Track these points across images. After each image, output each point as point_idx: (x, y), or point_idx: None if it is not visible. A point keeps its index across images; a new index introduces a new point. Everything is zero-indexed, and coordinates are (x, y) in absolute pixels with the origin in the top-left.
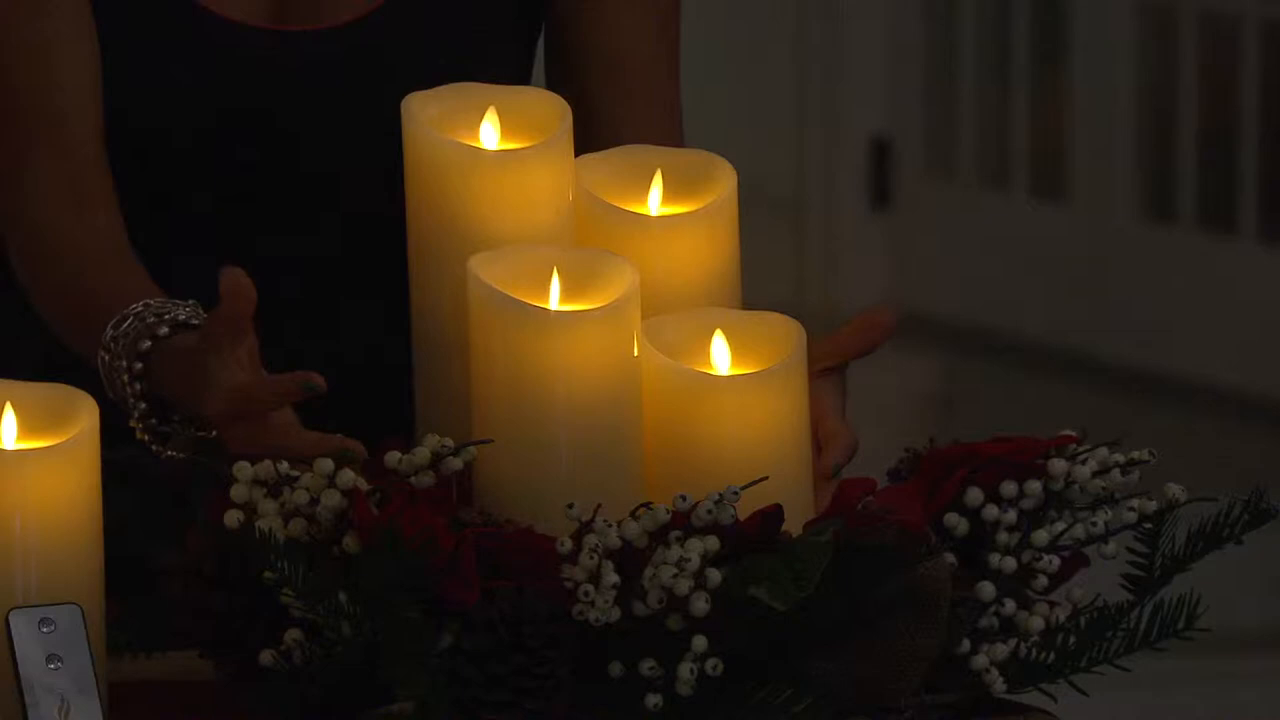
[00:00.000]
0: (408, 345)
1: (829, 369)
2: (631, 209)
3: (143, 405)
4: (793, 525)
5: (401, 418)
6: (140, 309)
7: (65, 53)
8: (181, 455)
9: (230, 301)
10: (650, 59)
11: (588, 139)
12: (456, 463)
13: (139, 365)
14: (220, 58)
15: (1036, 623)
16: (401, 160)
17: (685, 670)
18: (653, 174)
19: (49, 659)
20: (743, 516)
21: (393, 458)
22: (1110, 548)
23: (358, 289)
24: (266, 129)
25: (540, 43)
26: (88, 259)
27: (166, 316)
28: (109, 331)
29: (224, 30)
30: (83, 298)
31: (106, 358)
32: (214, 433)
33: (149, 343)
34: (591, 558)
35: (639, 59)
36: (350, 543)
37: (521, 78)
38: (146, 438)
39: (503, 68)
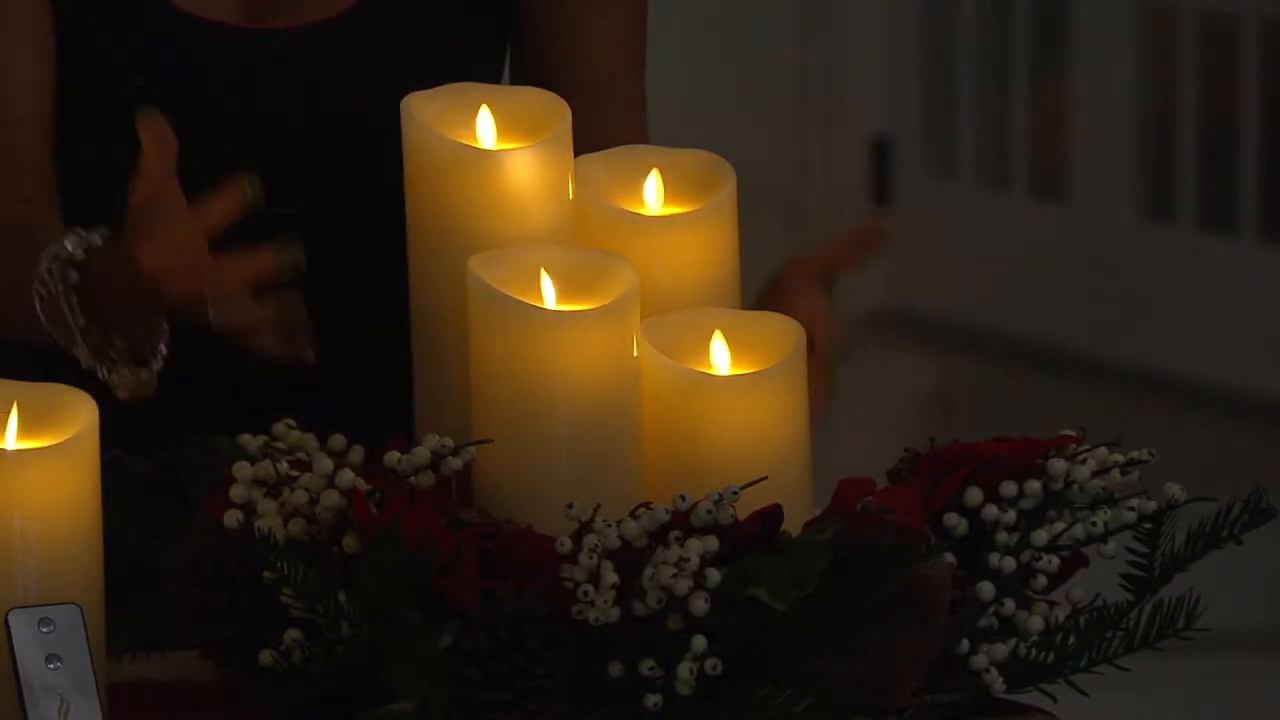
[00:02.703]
0: (398, 345)
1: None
2: (631, 209)
3: (81, 321)
4: (792, 525)
5: (400, 418)
6: (72, 236)
7: (17, 59)
8: (126, 385)
9: (153, 152)
10: (617, 58)
11: None
12: (456, 463)
13: (74, 275)
14: (195, 56)
15: (1036, 622)
16: (380, 158)
17: (685, 670)
18: (653, 174)
19: (49, 659)
20: (742, 516)
21: (393, 458)
22: (1110, 548)
23: (343, 288)
24: (244, 127)
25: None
26: (28, 244)
27: (99, 232)
28: (43, 264)
29: (198, 29)
30: (20, 273)
31: (43, 291)
32: (158, 360)
33: (83, 253)
34: (591, 558)
35: (606, 58)
36: (350, 543)
37: (494, 80)
38: (92, 363)
39: (475, 67)
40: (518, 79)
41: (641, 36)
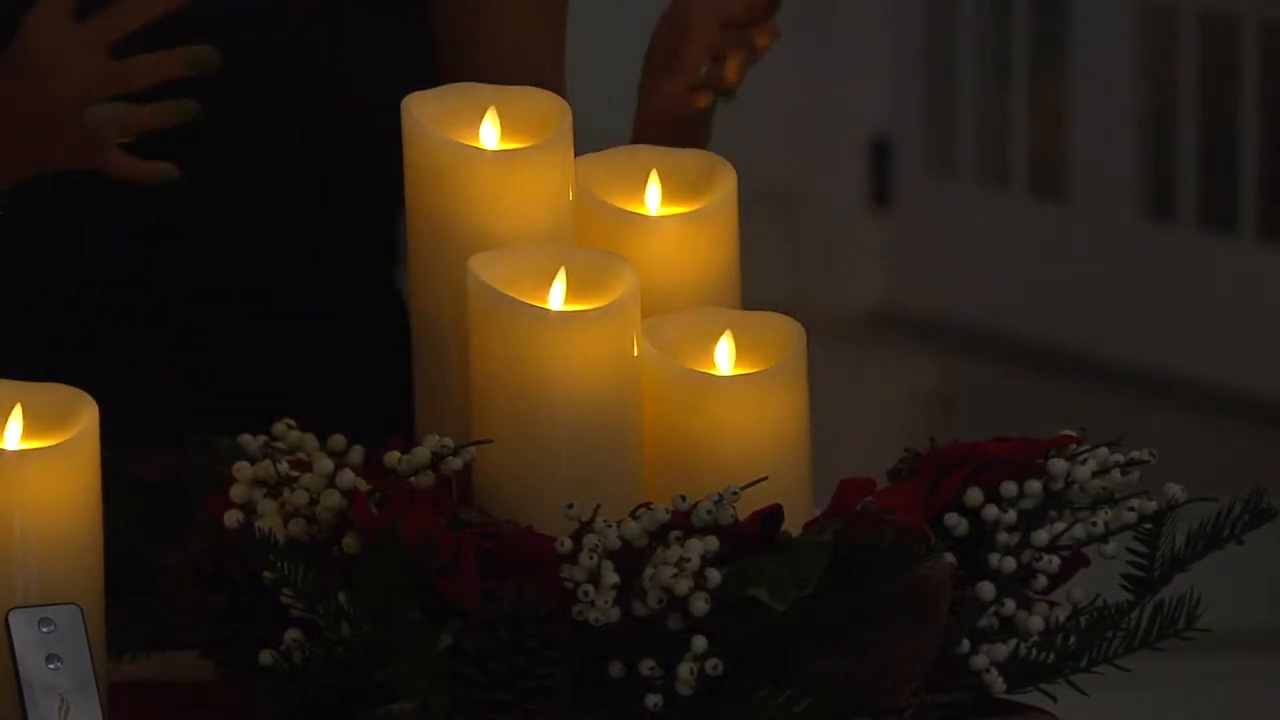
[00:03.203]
0: (398, 345)
1: None
2: (631, 209)
3: None
4: (793, 525)
5: (400, 418)
6: None
7: None
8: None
9: None
10: (538, 60)
11: None
12: (456, 463)
13: None
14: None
15: (1036, 623)
16: (348, 144)
17: (685, 670)
18: (653, 174)
19: (49, 659)
20: (743, 516)
21: (393, 458)
22: (1110, 548)
23: (321, 276)
24: (227, 120)
25: None
26: None
27: None
28: None
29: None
30: None
31: None
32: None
33: None
34: (591, 558)
35: (526, 60)
36: (350, 543)
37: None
38: None
39: (411, 51)
40: (441, 81)
41: (560, 36)
